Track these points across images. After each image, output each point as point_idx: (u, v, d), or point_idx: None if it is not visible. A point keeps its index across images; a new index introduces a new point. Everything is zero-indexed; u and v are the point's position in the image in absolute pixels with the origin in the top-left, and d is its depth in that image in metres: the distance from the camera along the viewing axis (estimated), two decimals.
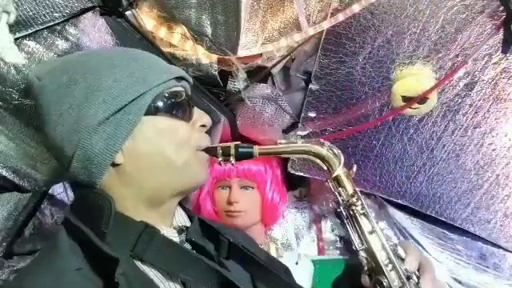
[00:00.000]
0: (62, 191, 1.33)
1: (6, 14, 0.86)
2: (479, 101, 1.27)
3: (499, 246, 1.43)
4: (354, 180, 0.79)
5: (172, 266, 0.69)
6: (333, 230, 1.67)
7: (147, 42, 1.17)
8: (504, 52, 1.19)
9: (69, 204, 1.28)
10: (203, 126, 0.77)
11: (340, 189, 0.77)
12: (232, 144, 0.76)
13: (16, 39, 0.95)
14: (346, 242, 1.64)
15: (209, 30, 1.17)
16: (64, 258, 0.64)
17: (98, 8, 1.10)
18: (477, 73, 1.24)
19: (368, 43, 1.22)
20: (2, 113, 1.05)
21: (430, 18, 1.18)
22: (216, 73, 1.26)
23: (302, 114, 1.34)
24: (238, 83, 1.28)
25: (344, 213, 0.78)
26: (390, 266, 0.74)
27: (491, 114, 1.28)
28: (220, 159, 0.76)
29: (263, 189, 1.43)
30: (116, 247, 0.64)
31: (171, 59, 1.21)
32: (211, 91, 1.29)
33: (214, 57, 1.24)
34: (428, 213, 1.42)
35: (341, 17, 1.18)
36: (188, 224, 0.79)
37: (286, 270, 0.93)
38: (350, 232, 0.77)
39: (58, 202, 1.33)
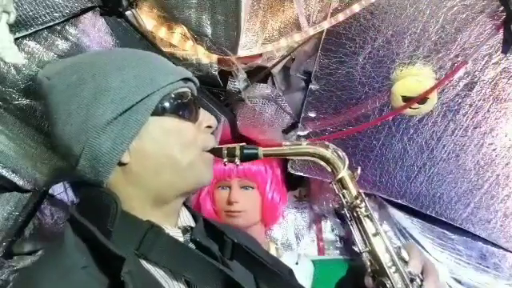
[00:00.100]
0: (62, 191, 1.33)
1: (6, 14, 0.86)
2: (479, 101, 1.27)
3: (499, 246, 1.42)
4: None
5: (176, 265, 0.69)
6: (333, 230, 1.67)
7: (147, 42, 1.17)
8: (504, 52, 1.19)
9: (74, 202, 1.29)
10: (209, 127, 0.78)
11: (344, 191, 0.77)
12: (237, 145, 0.77)
13: (16, 39, 0.95)
14: (346, 242, 1.64)
15: (209, 30, 1.17)
16: (70, 256, 0.65)
17: (98, 8, 1.10)
18: (477, 73, 1.24)
19: (368, 43, 1.22)
20: (1, 113, 1.05)
21: (430, 18, 1.18)
22: (216, 73, 1.26)
23: (302, 114, 1.34)
24: (238, 83, 1.28)
25: (348, 215, 0.78)
26: (394, 268, 0.74)
27: (491, 113, 1.28)
28: (225, 160, 0.77)
29: (263, 189, 1.43)
30: (121, 246, 0.65)
31: (171, 59, 1.21)
32: (211, 91, 1.29)
33: (214, 57, 1.24)
34: (428, 213, 1.42)
35: (341, 17, 1.18)
36: (192, 224, 0.79)
37: (290, 272, 0.93)
38: (354, 234, 0.77)
39: (58, 202, 1.33)
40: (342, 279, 0.93)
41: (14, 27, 0.92)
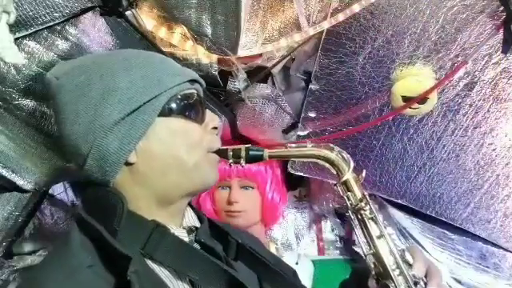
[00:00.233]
0: (62, 191, 1.33)
1: (6, 14, 0.86)
2: (479, 101, 1.27)
3: (499, 246, 1.42)
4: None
5: (181, 265, 0.70)
6: (333, 230, 1.67)
7: (147, 42, 1.17)
8: (504, 52, 1.19)
9: (74, 202, 1.29)
10: (215, 128, 0.79)
11: (349, 193, 0.78)
12: (243, 146, 0.77)
13: (16, 39, 0.95)
14: (346, 242, 1.64)
15: (209, 30, 1.17)
16: (76, 255, 0.65)
17: (98, 8, 1.10)
18: (477, 73, 1.24)
19: (368, 43, 1.22)
20: (1, 113, 1.05)
21: (430, 18, 1.18)
22: (216, 73, 1.26)
23: (302, 114, 1.34)
24: (238, 83, 1.28)
25: (352, 217, 0.78)
26: (398, 270, 0.74)
27: (491, 113, 1.28)
28: (230, 161, 0.77)
29: (263, 189, 1.43)
30: (127, 245, 0.65)
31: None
32: (211, 91, 1.29)
33: (214, 57, 1.24)
34: (428, 213, 1.42)
35: (341, 17, 1.18)
36: (197, 224, 0.79)
37: (294, 273, 0.94)
38: (359, 236, 0.78)
39: (58, 202, 1.33)
40: (346, 281, 0.94)
41: (13, 27, 0.93)
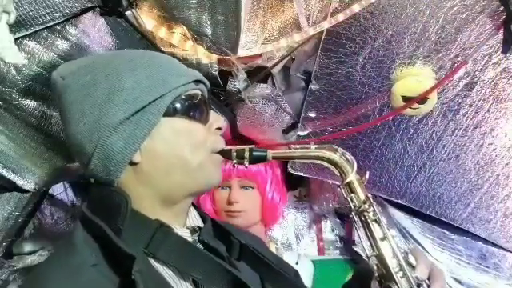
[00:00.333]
0: (62, 191, 1.33)
1: (6, 14, 0.86)
2: (479, 101, 1.27)
3: (499, 246, 1.42)
4: None
5: (184, 264, 0.70)
6: (333, 230, 1.67)
7: (147, 42, 1.17)
8: (504, 52, 1.19)
9: (75, 202, 1.29)
10: (219, 128, 0.79)
11: (352, 195, 0.78)
12: (247, 147, 0.77)
13: (16, 39, 0.95)
14: (346, 242, 1.64)
15: (209, 30, 1.17)
16: (79, 254, 0.65)
17: (98, 8, 1.10)
18: (477, 73, 1.24)
19: (368, 43, 1.22)
20: (1, 113, 1.05)
21: (430, 18, 1.18)
22: (216, 73, 1.26)
23: (302, 114, 1.34)
24: (238, 83, 1.28)
25: (356, 219, 0.78)
26: (401, 273, 0.74)
27: (491, 113, 1.28)
28: (234, 162, 0.77)
29: (263, 189, 1.43)
30: (131, 244, 0.65)
31: None
32: (211, 91, 1.29)
33: (214, 57, 1.24)
34: (428, 213, 1.42)
35: (341, 17, 1.18)
36: (201, 224, 0.80)
37: (296, 273, 0.94)
38: (362, 238, 0.78)
39: (58, 202, 1.33)
40: (348, 283, 0.94)
41: (14, 27, 0.93)
